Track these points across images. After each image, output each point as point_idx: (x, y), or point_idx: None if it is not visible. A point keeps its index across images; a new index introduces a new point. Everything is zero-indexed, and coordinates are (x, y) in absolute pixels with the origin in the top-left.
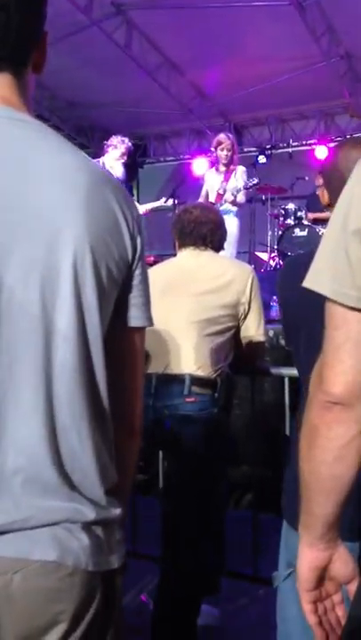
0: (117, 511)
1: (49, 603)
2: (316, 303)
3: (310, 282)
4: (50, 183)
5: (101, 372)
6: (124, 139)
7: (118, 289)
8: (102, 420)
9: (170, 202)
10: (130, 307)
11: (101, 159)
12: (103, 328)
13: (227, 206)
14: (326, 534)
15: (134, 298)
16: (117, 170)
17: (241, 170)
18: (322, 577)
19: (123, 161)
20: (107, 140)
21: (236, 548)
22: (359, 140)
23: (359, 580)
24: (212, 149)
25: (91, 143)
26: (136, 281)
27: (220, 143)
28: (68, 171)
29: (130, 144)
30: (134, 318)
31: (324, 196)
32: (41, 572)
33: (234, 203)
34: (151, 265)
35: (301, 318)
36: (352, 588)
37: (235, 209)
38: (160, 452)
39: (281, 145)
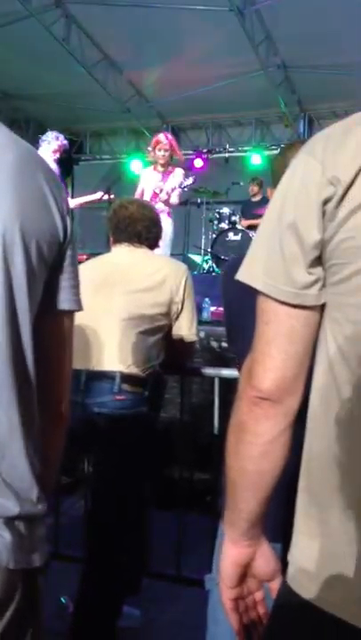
0: (42, 506)
1: None
2: None
3: (243, 275)
4: None
5: (30, 355)
6: (59, 135)
7: (48, 270)
8: (30, 408)
9: (104, 196)
10: (60, 289)
11: None
12: (32, 309)
13: (159, 205)
14: (250, 531)
15: (64, 280)
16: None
17: (179, 172)
18: (244, 574)
19: (56, 157)
20: (42, 135)
21: (159, 548)
22: (303, 142)
23: (282, 579)
24: (150, 149)
25: (25, 136)
26: (67, 262)
27: (157, 143)
28: None
29: (65, 142)
30: (64, 301)
31: (272, 195)
32: None
33: (167, 202)
34: None
35: (244, 319)
36: (274, 586)
37: (166, 208)
38: (87, 451)
39: (217, 149)
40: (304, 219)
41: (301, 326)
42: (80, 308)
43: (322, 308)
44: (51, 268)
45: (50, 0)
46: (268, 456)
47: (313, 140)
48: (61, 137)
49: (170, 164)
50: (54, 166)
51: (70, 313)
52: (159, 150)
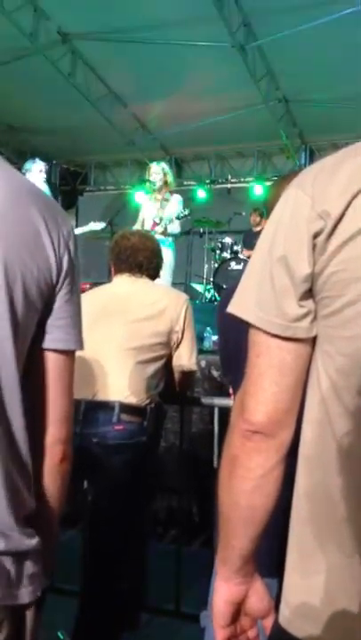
0: (32, 542)
1: None
2: None
3: (234, 307)
4: None
5: (16, 398)
6: (33, 160)
7: (38, 311)
8: (17, 448)
9: (101, 225)
10: (53, 329)
11: None
12: (18, 352)
13: (158, 237)
14: (243, 568)
15: (59, 319)
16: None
17: (177, 199)
18: (237, 612)
19: (44, 177)
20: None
21: (158, 582)
22: (297, 174)
23: (275, 616)
24: (147, 178)
25: None
26: (61, 301)
27: (148, 169)
28: None
29: (39, 161)
30: (60, 341)
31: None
32: None
33: (165, 233)
34: None
35: (239, 349)
36: (267, 623)
37: (167, 239)
38: (85, 482)
39: (220, 180)
40: (294, 252)
41: (293, 359)
42: (79, 347)
43: (314, 340)
44: (43, 307)
45: (56, 37)
46: (260, 491)
47: (303, 174)
48: (36, 160)
49: (168, 190)
50: (45, 187)
51: (66, 352)
52: (153, 177)
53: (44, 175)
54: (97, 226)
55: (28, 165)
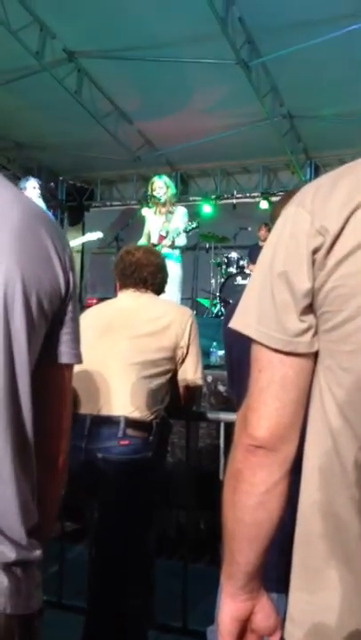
0: (38, 552)
1: None
2: None
3: (237, 323)
4: None
5: (28, 406)
6: (25, 179)
7: (48, 323)
8: (26, 457)
9: (97, 235)
10: (60, 342)
11: None
12: (31, 362)
13: (165, 250)
14: (248, 584)
15: (65, 334)
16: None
17: (182, 211)
18: (244, 629)
19: (38, 192)
20: (53, 182)
21: (165, 599)
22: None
23: (281, 633)
24: (150, 193)
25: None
26: (68, 317)
27: (151, 184)
28: (2, 205)
29: (31, 178)
30: (64, 354)
31: None
32: None
33: (172, 246)
34: None
35: (244, 364)
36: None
37: (174, 252)
38: (92, 497)
39: (225, 196)
40: (295, 268)
41: (295, 374)
42: (79, 362)
43: (316, 355)
44: (51, 321)
45: (62, 55)
46: (264, 506)
47: (303, 191)
48: (29, 178)
49: (172, 203)
50: (40, 202)
51: (69, 366)
52: (156, 191)
53: (38, 191)
54: (93, 236)
55: (22, 184)
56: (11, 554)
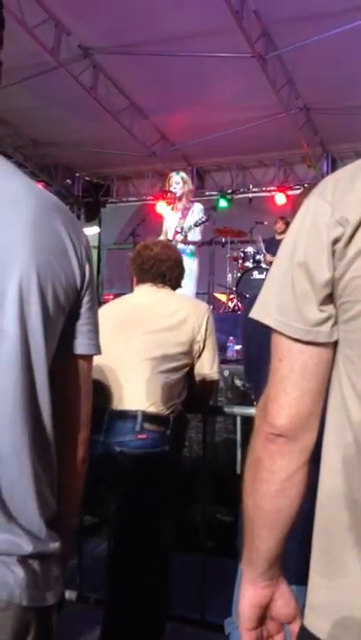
0: (56, 545)
1: None
2: None
3: (256, 312)
4: None
5: (45, 398)
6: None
7: (65, 315)
8: (45, 449)
9: (93, 230)
10: (77, 334)
11: None
12: (48, 353)
13: (179, 246)
14: (268, 571)
15: (82, 325)
16: None
17: (198, 207)
18: (263, 616)
19: None
20: (70, 179)
21: (183, 591)
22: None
23: (300, 621)
24: (167, 189)
25: (54, 181)
26: (84, 308)
27: (169, 180)
28: (17, 196)
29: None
30: (81, 345)
31: None
32: None
33: (185, 242)
34: None
35: (262, 355)
36: (294, 628)
37: (189, 247)
38: (110, 491)
39: (241, 190)
40: (315, 258)
41: (314, 363)
42: (98, 352)
43: (335, 345)
44: (68, 313)
45: (78, 51)
46: (284, 494)
47: (324, 183)
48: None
49: (189, 199)
50: None
51: (88, 357)
52: (172, 187)
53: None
54: (89, 231)
55: None
56: (27, 546)
